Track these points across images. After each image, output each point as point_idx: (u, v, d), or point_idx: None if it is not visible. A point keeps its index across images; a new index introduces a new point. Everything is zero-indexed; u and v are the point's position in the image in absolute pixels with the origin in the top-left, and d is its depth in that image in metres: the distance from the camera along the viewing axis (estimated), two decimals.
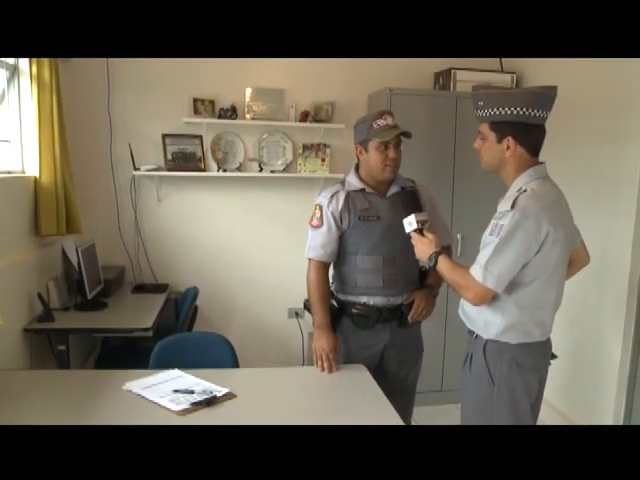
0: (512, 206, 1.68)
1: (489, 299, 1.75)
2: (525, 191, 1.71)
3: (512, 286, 1.74)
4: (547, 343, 1.87)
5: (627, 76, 2.79)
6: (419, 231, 1.94)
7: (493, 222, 1.73)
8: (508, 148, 1.75)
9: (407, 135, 2.15)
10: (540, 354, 1.84)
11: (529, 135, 1.75)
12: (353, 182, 2.24)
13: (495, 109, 1.73)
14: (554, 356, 1.94)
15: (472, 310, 1.85)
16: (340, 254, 2.24)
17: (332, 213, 2.19)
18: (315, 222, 2.22)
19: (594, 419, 3.03)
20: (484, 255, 1.71)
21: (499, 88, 1.89)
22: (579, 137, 3.20)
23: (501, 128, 1.75)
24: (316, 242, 2.22)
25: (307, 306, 2.34)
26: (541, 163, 1.81)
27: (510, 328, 1.77)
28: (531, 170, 1.76)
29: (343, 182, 2.27)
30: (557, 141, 3.36)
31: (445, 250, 2.25)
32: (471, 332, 1.89)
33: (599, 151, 3.02)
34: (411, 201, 2.04)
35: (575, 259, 1.95)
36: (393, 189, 2.22)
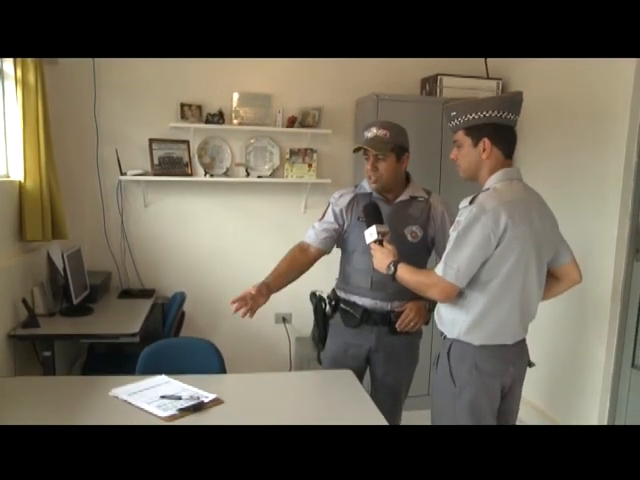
0: (471, 202, 1.73)
1: (454, 294, 1.76)
2: (488, 189, 1.76)
3: (474, 283, 1.75)
4: (513, 348, 1.84)
5: (613, 80, 2.83)
6: (379, 242, 1.97)
7: (456, 220, 1.77)
8: (484, 150, 1.78)
9: (371, 152, 2.14)
10: (502, 359, 1.82)
11: (503, 136, 1.78)
12: (364, 186, 2.28)
13: (469, 115, 1.77)
14: (531, 364, 1.94)
15: (445, 310, 1.87)
16: (342, 252, 2.32)
17: (334, 209, 2.27)
18: (321, 217, 2.31)
19: (579, 421, 3.05)
20: (445, 251, 1.75)
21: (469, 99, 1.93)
22: (564, 140, 3.24)
23: (477, 131, 1.78)
24: (312, 229, 2.29)
25: (311, 298, 2.41)
26: (513, 166, 1.84)
27: (474, 327, 1.78)
28: (501, 172, 1.79)
29: (357, 186, 2.33)
30: (542, 144, 3.41)
31: None
32: (441, 333, 1.91)
33: (583, 154, 3.06)
34: (373, 213, 2.07)
35: (563, 275, 1.93)
36: (402, 197, 2.24)
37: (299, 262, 2.24)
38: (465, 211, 1.73)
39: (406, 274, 1.87)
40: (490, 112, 1.74)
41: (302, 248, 2.26)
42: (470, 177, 1.86)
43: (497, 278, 1.74)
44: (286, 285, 2.19)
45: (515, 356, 1.86)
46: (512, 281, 1.76)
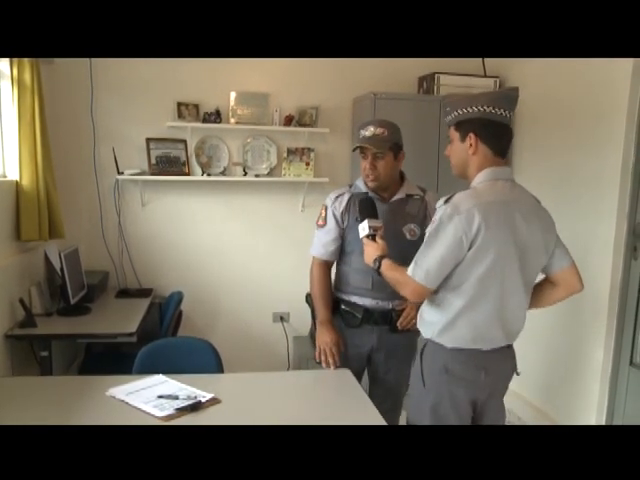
0: (446, 201, 1.69)
1: (425, 295, 1.75)
2: (469, 189, 1.72)
3: (447, 285, 1.71)
4: (488, 354, 1.77)
5: (610, 80, 2.83)
6: (372, 237, 1.97)
7: (432, 219, 1.73)
8: (471, 145, 1.73)
9: (371, 150, 2.14)
10: (473, 365, 1.76)
11: (492, 132, 1.72)
12: (359, 185, 2.28)
13: (460, 110, 1.73)
14: (517, 373, 1.89)
15: (425, 310, 1.84)
16: (340, 253, 2.30)
17: (334, 213, 2.26)
18: (320, 222, 2.30)
19: (577, 420, 3.06)
20: (419, 250, 1.72)
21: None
22: (561, 139, 3.24)
23: (464, 126, 1.74)
24: (319, 241, 2.29)
25: (308, 300, 2.39)
26: (504, 166, 1.77)
27: (446, 329, 1.74)
28: (487, 170, 1.73)
29: (351, 185, 2.32)
30: (539, 143, 3.41)
31: None
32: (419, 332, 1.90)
33: (581, 153, 3.06)
34: (368, 208, 2.07)
35: (559, 282, 1.83)
36: (398, 196, 2.24)
37: (328, 279, 2.30)
38: (440, 210, 1.69)
39: (387, 270, 1.85)
40: (480, 107, 1.69)
41: (323, 265, 2.29)
42: (460, 174, 1.82)
43: (470, 281, 1.69)
44: None
45: (490, 363, 1.78)
46: (488, 285, 1.69)
